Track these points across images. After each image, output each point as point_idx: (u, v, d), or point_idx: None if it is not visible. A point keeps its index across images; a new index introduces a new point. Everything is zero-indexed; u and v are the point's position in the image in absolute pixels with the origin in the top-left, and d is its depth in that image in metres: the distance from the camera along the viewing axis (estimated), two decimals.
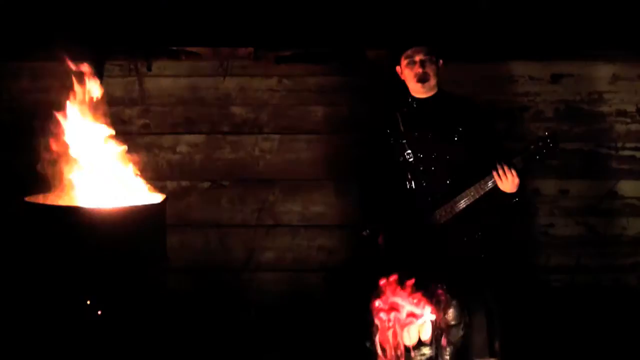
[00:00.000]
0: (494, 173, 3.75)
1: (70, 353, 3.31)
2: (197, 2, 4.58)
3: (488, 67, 4.68)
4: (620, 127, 4.71)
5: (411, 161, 3.94)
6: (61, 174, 3.68)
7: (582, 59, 4.66)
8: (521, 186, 3.77)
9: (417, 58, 3.92)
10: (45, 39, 4.51)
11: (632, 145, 4.72)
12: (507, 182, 3.73)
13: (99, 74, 4.33)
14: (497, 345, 3.77)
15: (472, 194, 3.82)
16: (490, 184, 3.78)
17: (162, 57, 4.64)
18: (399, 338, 3.38)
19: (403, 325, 3.38)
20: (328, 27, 4.59)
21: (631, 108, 4.71)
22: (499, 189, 3.77)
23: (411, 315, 3.39)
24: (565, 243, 4.73)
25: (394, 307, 3.41)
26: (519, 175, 3.74)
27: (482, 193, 3.80)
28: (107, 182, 3.65)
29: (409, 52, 3.95)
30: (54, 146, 3.67)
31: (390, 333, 3.38)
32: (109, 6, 4.50)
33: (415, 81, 3.93)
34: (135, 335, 3.38)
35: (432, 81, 3.94)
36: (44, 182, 3.71)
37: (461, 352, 3.60)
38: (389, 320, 3.37)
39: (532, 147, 3.78)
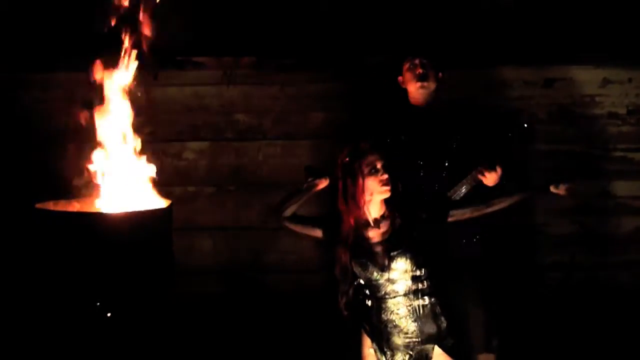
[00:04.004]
0: (480, 171, 3.73)
1: (80, 354, 3.37)
2: (201, 13, 4.68)
3: (483, 73, 4.74)
4: (611, 129, 4.78)
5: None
6: (71, 181, 3.79)
7: (574, 64, 4.73)
8: (504, 172, 3.73)
9: (418, 61, 3.99)
10: (54, 51, 4.63)
11: (624, 146, 4.78)
12: (492, 177, 3.70)
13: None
14: (494, 341, 3.85)
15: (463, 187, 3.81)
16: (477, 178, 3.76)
17: (168, 66, 4.70)
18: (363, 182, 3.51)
19: (367, 174, 3.51)
20: (328, 35, 4.68)
21: (622, 110, 4.78)
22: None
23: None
24: (560, 241, 4.78)
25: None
26: (501, 165, 3.71)
27: (473, 184, 3.78)
28: (117, 188, 3.76)
29: (410, 58, 4.03)
30: (65, 154, 3.77)
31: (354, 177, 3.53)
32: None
33: (415, 80, 3.98)
34: (144, 337, 3.43)
35: (432, 85, 3.99)
36: (54, 189, 3.82)
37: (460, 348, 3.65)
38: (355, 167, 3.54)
39: (509, 134, 3.79)
